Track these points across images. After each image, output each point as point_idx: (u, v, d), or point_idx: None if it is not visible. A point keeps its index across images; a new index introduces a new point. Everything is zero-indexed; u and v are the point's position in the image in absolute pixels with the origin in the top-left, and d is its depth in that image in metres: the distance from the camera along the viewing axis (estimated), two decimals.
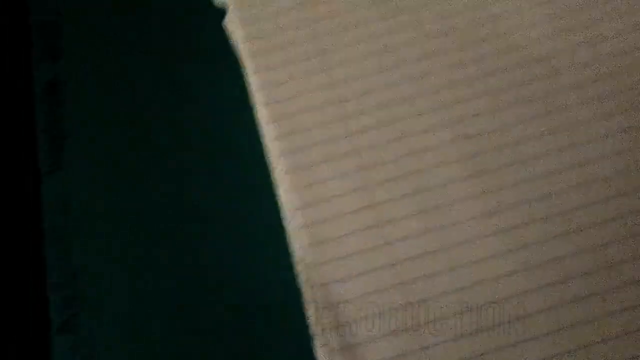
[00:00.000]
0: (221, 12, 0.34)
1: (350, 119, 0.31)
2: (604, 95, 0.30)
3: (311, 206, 0.29)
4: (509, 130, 0.30)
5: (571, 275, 0.27)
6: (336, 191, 0.29)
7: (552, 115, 0.30)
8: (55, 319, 0.29)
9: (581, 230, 0.28)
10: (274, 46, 0.33)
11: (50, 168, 0.32)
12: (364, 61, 0.32)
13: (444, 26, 0.33)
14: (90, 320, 0.28)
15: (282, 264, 0.29)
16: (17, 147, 0.34)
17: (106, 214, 0.31)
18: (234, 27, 0.33)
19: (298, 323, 0.28)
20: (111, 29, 0.35)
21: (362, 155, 0.30)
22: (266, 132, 0.31)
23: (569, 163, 0.29)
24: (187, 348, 0.28)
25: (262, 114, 0.31)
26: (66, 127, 0.33)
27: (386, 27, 0.33)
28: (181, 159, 0.32)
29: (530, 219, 0.28)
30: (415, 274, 0.28)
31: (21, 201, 0.32)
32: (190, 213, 0.31)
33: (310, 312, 0.28)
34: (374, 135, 0.30)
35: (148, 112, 0.33)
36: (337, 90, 0.31)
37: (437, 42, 0.32)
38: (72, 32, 0.36)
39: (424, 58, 0.32)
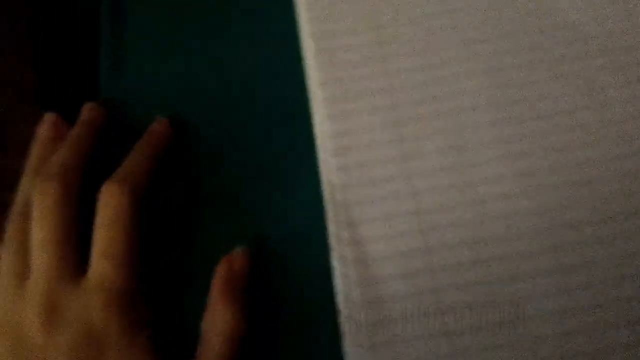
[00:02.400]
0: None
1: (388, 60, 0.32)
2: (631, 64, 0.32)
3: (343, 135, 0.31)
4: (536, 86, 0.31)
5: (583, 221, 0.29)
6: (368, 123, 0.31)
7: (579, 77, 0.32)
8: None
9: (593, 181, 0.29)
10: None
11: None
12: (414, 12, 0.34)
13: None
14: None
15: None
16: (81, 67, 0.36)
17: None
18: None
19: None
20: None
21: (395, 94, 0.32)
22: (309, 64, 0.33)
23: (595, 119, 0.31)
24: None
25: (309, 45, 0.33)
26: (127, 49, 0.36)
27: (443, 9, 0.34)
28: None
29: (545, 165, 0.30)
30: (435, 205, 0.29)
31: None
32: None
33: (331, 229, 0.29)
34: (409, 76, 0.32)
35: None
36: (380, 32, 0.33)
37: (494, 12, 0.34)
38: None
39: (475, 23, 0.33)
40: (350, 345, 0.27)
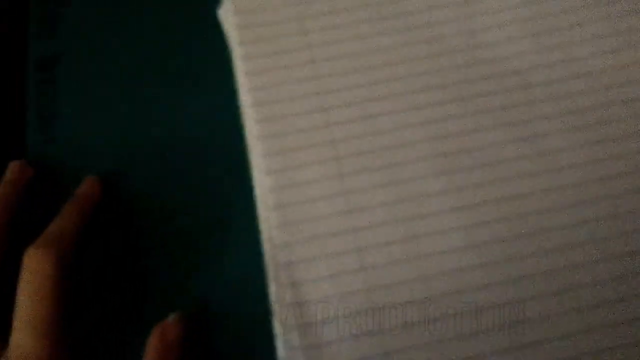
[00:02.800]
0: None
1: (331, 110, 0.31)
2: (575, 110, 0.31)
3: (284, 189, 0.30)
4: (478, 135, 0.31)
5: (533, 273, 0.28)
6: (310, 177, 0.30)
7: (525, 125, 0.31)
8: None
9: (546, 232, 0.28)
10: (263, 37, 0.33)
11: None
12: (349, 58, 0.33)
13: (429, 33, 0.34)
14: None
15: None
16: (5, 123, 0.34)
17: None
18: (228, 16, 0.34)
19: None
20: (108, 15, 0.36)
21: (338, 146, 0.31)
22: (248, 115, 0.32)
23: (539, 167, 0.30)
24: None
25: (246, 99, 0.32)
26: (57, 105, 0.34)
27: (373, 30, 0.34)
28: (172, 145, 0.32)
29: (497, 217, 0.29)
30: (381, 261, 0.28)
31: None
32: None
33: (272, 290, 0.28)
34: (350, 128, 0.31)
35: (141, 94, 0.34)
36: (320, 82, 0.32)
37: (421, 48, 0.33)
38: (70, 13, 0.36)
39: (406, 61, 0.33)
40: None
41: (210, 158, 0.32)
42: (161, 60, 0.34)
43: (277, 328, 0.27)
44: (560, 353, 0.26)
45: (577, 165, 0.30)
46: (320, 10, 0.34)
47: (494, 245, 0.28)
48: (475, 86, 0.32)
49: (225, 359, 0.28)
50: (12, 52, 0.36)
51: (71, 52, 0.35)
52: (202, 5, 0.35)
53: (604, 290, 0.27)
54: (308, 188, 0.30)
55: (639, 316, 0.27)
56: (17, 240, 0.28)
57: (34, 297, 0.26)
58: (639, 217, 0.29)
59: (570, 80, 0.32)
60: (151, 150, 0.32)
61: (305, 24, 0.34)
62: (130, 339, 0.28)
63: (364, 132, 0.31)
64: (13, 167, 0.31)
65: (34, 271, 0.26)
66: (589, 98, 0.32)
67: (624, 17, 0.34)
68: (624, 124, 0.31)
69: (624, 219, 0.29)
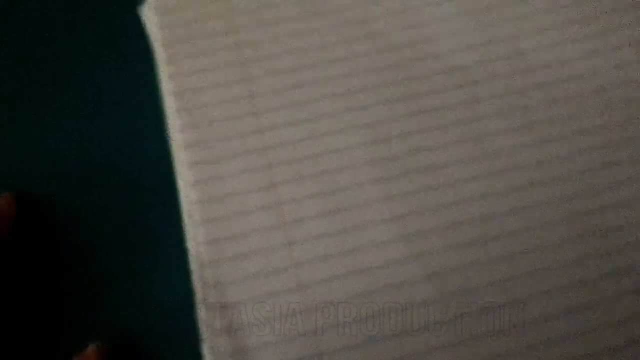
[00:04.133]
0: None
1: (261, 115, 0.29)
2: (517, 108, 0.30)
3: (211, 202, 0.27)
4: (420, 136, 0.29)
5: (478, 284, 0.26)
6: (239, 188, 0.28)
7: (466, 125, 0.29)
8: None
9: (488, 240, 0.27)
10: (188, 37, 0.31)
11: None
12: (280, 58, 0.31)
13: (367, 28, 0.32)
14: None
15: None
16: None
17: None
18: (150, 15, 0.32)
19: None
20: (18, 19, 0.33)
21: (269, 153, 0.28)
22: (172, 123, 0.29)
23: (478, 172, 0.28)
24: None
25: (170, 103, 0.30)
26: None
27: (307, 27, 0.32)
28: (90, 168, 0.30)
29: (435, 225, 0.27)
30: (316, 277, 0.26)
31: None
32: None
33: (201, 314, 0.26)
34: (283, 133, 0.29)
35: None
36: (250, 85, 0.30)
37: (357, 45, 0.31)
38: None
39: (342, 60, 0.31)
40: None
41: (132, 172, 0.29)
42: (74, 75, 0.32)
43: (204, 332, 0.25)
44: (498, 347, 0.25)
45: (522, 167, 0.28)
46: (248, 8, 0.32)
47: (434, 255, 0.26)
48: (417, 85, 0.30)
49: None
50: None
51: None
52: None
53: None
54: (237, 198, 0.27)
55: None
56: None
57: None
58: (590, 218, 0.27)
59: (515, 76, 0.30)
60: (67, 169, 0.30)
61: (233, 20, 0.31)
62: None
63: (297, 138, 0.29)
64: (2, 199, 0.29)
65: None
66: (533, 95, 0.30)
67: (568, 8, 0.32)
68: (568, 123, 0.29)
69: (571, 222, 0.27)
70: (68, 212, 0.29)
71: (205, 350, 0.25)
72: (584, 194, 0.28)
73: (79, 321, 0.27)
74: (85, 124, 0.30)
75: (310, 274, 0.26)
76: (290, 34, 0.31)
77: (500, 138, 0.29)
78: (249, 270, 0.26)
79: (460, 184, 0.28)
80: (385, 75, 0.30)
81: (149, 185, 0.29)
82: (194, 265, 0.26)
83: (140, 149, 0.30)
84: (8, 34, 0.33)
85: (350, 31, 0.31)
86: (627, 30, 0.32)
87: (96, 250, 0.28)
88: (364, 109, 0.29)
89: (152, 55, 0.32)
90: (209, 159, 0.28)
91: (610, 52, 0.31)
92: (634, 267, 0.26)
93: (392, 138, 0.29)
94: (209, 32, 0.31)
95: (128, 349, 0.26)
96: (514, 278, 0.26)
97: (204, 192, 0.27)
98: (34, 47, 0.32)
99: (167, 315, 0.27)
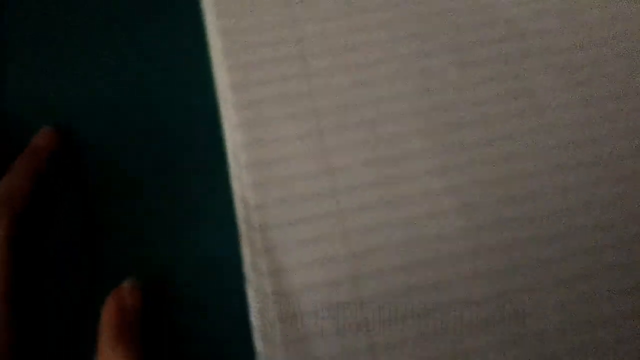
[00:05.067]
0: None
1: (309, 59, 0.29)
2: (568, 65, 0.29)
3: (258, 145, 0.27)
4: (470, 89, 0.29)
5: (517, 240, 0.26)
6: (285, 133, 0.28)
7: (516, 80, 0.29)
8: None
9: (533, 196, 0.27)
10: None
11: None
12: (329, 8, 0.30)
13: None
14: None
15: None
16: None
17: None
18: None
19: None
20: None
21: (315, 99, 0.28)
22: (217, 64, 0.29)
23: (528, 127, 0.28)
24: None
25: (217, 48, 0.29)
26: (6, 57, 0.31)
27: None
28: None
29: (483, 179, 0.27)
30: (359, 224, 0.26)
31: None
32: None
33: (246, 257, 0.26)
34: (330, 80, 0.29)
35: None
36: (297, 31, 0.30)
37: (423, 7, 0.31)
38: None
39: (390, 7, 0.30)
40: None
41: (175, 115, 0.29)
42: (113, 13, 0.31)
43: (251, 296, 0.25)
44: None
45: (570, 125, 0.28)
46: None
47: (483, 209, 0.27)
48: (464, 35, 0.30)
49: (186, 330, 0.26)
50: None
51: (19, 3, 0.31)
52: None
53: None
54: (284, 145, 0.27)
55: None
56: None
57: None
58: (630, 181, 0.27)
59: (566, 33, 0.30)
60: (111, 106, 0.29)
61: None
62: (86, 304, 0.26)
63: (344, 85, 0.28)
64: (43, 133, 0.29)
65: None
66: (583, 53, 0.30)
67: None
68: (618, 82, 0.29)
69: (613, 182, 0.27)
70: (109, 144, 0.29)
71: (249, 290, 0.25)
72: (633, 154, 0.28)
73: (115, 259, 0.27)
74: (131, 71, 0.30)
75: (354, 221, 0.26)
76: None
77: (549, 94, 0.29)
78: (294, 215, 0.26)
79: (508, 138, 0.28)
80: (434, 24, 0.30)
81: (191, 132, 0.29)
82: (238, 208, 0.27)
83: (184, 98, 0.30)
84: None
85: None
86: None
87: (136, 190, 0.28)
88: (411, 58, 0.29)
89: (200, 11, 0.31)
90: (255, 100, 0.28)
91: None
92: None
93: (439, 90, 0.29)
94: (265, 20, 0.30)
95: (163, 288, 0.26)
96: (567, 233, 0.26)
97: (250, 135, 0.27)
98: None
99: (205, 258, 0.27)
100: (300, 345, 0.24)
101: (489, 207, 0.27)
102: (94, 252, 0.27)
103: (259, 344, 0.25)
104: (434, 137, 0.28)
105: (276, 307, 0.25)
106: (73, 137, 0.29)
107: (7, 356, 0.23)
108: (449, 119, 0.28)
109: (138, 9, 0.31)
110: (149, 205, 0.28)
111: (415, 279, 0.25)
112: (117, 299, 0.25)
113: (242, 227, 0.26)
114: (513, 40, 0.30)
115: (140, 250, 0.27)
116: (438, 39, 0.30)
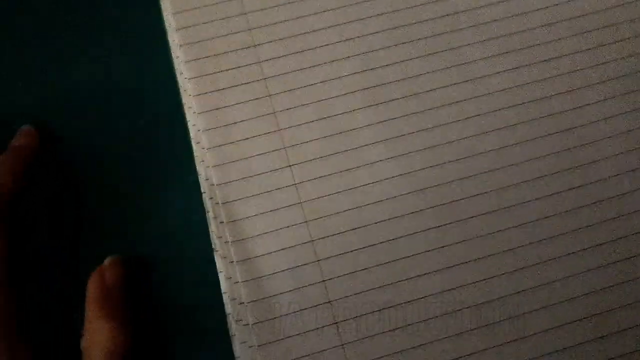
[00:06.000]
0: None
1: (261, 46, 0.32)
2: (498, 35, 0.32)
3: (217, 130, 0.30)
4: (411, 66, 0.31)
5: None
6: (241, 116, 0.30)
7: (449, 52, 0.32)
8: None
9: (473, 157, 0.30)
10: None
11: None
12: None
13: None
14: None
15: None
16: None
17: None
18: None
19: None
20: None
21: (268, 83, 0.31)
22: (178, 55, 0.31)
23: (461, 96, 0.31)
24: None
25: (174, 38, 0.32)
26: None
27: None
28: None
29: (422, 147, 0.30)
30: (316, 194, 0.29)
31: None
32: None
33: (213, 228, 0.29)
34: (281, 64, 0.31)
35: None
36: (250, 18, 0.32)
37: None
38: None
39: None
40: (239, 346, 0.27)
41: (144, 102, 0.32)
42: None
43: (219, 263, 0.28)
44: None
45: (503, 90, 0.31)
46: None
47: (425, 172, 0.29)
48: (403, 15, 0.32)
49: (168, 301, 0.29)
50: None
51: None
52: None
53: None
54: (241, 128, 0.30)
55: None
56: None
57: None
58: (565, 137, 0.30)
59: (493, 6, 0.33)
60: (81, 99, 0.32)
61: None
62: (70, 286, 0.28)
63: (295, 67, 0.31)
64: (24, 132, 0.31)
65: None
66: (511, 23, 0.32)
67: None
68: (546, 48, 0.32)
69: (550, 141, 0.30)
70: (84, 141, 0.31)
71: (217, 258, 0.28)
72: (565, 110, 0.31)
73: (100, 239, 0.30)
74: (98, 58, 0.33)
75: (309, 191, 0.29)
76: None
77: (480, 64, 0.31)
78: (254, 190, 0.29)
79: (445, 107, 0.31)
80: (375, 8, 0.33)
81: (162, 115, 0.32)
82: (203, 186, 0.29)
83: (151, 84, 0.32)
84: None
85: None
86: None
87: (111, 175, 0.31)
88: (355, 39, 0.32)
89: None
90: (212, 89, 0.31)
91: None
92: None
93: (382, 67, 0.31)
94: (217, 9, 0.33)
95: (143, 263, 0.29)
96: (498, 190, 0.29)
97: (209, 120, 0.30)
98: None
99: (178, 232, 0.30)
100: (265, 303, 0.27)
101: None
102: (77, 237, 0.30)
103: (227, 306, 0.28)
104: (377, 110, 0.30)
105: (241, 272, 0.28)
106: (50, 131, 0.31)
107: (8, 324, 0.25)
108: (390, 94, 0.31)
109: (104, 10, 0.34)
110: (125, 190, 0.30)
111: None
112: (99, 274, 0.28)
113: (207, 202, 0.29)
114: (447, 17, 0.32)
115: (119, 230, 0.30)
116: (378, 20, 0.32)
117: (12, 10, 0.34)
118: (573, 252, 0.28)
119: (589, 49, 0.32)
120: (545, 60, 0.32)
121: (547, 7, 0.33)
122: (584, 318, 0.27)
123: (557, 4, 0.33)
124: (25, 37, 0.33)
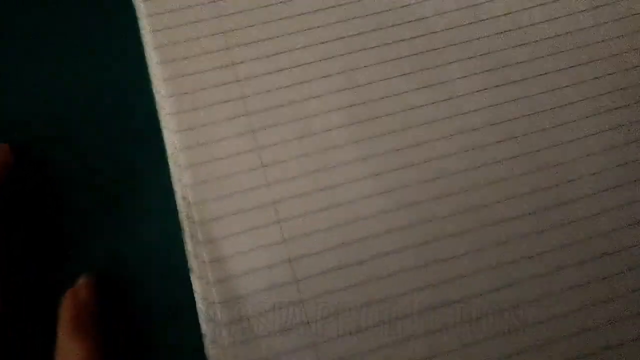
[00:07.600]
0: None
1: (240, 65, 0.31)
2: (475, 55, 0.32)
3: (194, 148, 0.30)
4: (390, 83, 0.31)
5: (437, 216, 0.29)
6: (219, 135, 0.30)
7: (428, 71, 0.32)
8: None
9: (448, 176, 0.30)
10: None
11: None
12: (256, 9, 0.33)
13: None
14: None
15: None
16: None
17: None
18: None
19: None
20: None
21: (248, 101, 0.31)
22: (155, 73, 0.31)
23: (446, 114, 0.31)
24: None
25: (152, 56, 0.32)
26: None
27: None
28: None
29: (403, 164, 0.30)
30: (293, 212, 0.29)
31: None
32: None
33: (189, 248, 0.28)
34: (260, 82, 0.31)
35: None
36: (227, 36, 0.32)
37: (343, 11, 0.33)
38: None
39: (317, 10, 0.33)
40: None
41: (120, 119, 0.32)
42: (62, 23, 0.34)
43: (195, 284, 0.28)
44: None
45: (481, 109, 0.31)
46: None
47: (402, 190, 0.29)
48: (383, 35, 0.32)
49: (143, 321, 0.28)
50: None
51: None
52: None
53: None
54: (218, 146, 0.30)
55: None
56: None
57: None
58: (541, 156, 0.30)
59: (471, 26, 0.33)
60: (55, 115, 0.32)
61: None
62: (42, 306, 0.28)
63: (273, 87, 0.31)
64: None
65: None
66: (489, 42, 0.32)
67: None
68: (524, 67, 0.32)
69: (527, 159, 0.30)
70: (60, 155, 0.31)
71: (193, 278, 0.28)
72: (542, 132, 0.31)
73: (70, 258, 0.29)
74: (74, 70, 0.33)
75: (288, 210, 0.29)
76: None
77: (458, 83, 0.32)
78: (231, 209, 0.29)
79: (423, 126, 0.31)
80: (356, 26, 0.33)
81: (138, 130, 0.31)
82: (180, 205, 0.29)
83: (129, 98, 0.32)
84: None
85: None
86: None
87: (87, 190, 0.30)
88: (334, 58, 0.32)
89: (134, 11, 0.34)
90: (191, 108, 0.30)
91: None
92: None
93: (359, 85, 0.31)
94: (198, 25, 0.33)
95: (118, 281, 0.29)
96: (475, 208, 0.29)
97: (187, 139, 0.30)
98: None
99: (155, 250, 0.29)
100: (242, 324, 0.27)
101: (409, 189, 0.29)
102: (51, 255, 0.29)
103: (203, 326, 0.27)
104: (357, 130, 0.30)
105: (218, 292, 0.27)
106: (24, 146, 0.31)
107: None
108: (369, 113, 0.31)
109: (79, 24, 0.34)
110: (100, 209, 0.30)
111: (345, 259, 0.28)
112: (72, 295, 0.27)
113: (184, 222, 0.29)
114: (425, 37, 0.33)
115: (94, 248, 0.29)
116: (361, 39, 0.32)
117: None
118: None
119: (566, 69, 0.32)
120: (523, 79, 0.32)
121: (521, 27, 0.33)
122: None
123: (532, 24, 0.33)
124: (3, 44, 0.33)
